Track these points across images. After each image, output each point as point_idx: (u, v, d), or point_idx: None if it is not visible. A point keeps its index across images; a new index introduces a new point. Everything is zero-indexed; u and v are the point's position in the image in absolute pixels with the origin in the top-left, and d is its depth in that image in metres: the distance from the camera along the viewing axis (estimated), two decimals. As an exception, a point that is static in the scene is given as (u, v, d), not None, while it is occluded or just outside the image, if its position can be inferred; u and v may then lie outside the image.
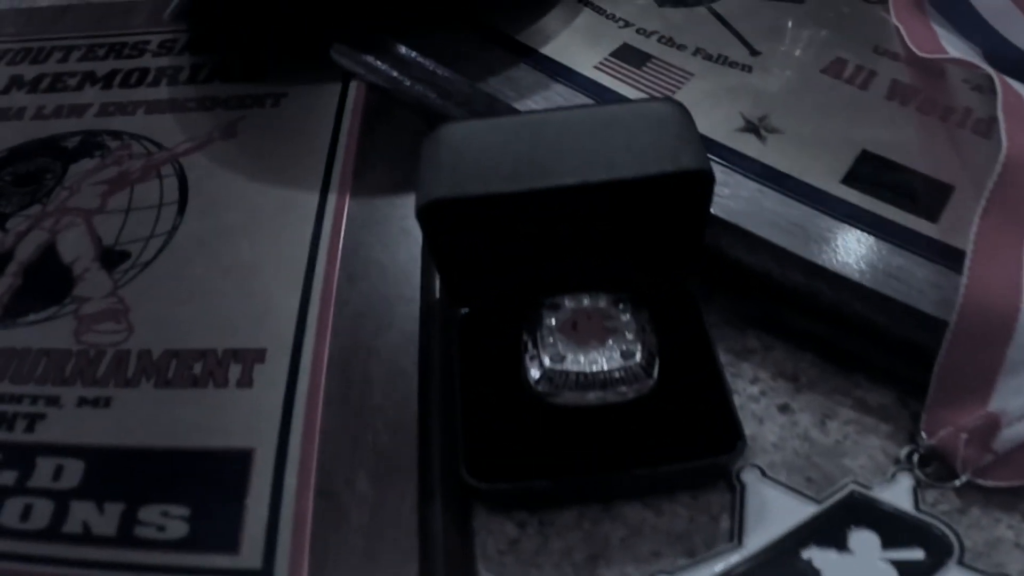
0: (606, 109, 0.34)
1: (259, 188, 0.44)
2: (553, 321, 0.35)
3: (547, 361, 0.34)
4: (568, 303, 0.36)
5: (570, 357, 0.34)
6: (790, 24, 0.46)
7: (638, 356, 0.34)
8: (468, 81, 0.43)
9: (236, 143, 0.46)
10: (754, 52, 0.45)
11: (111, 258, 0.42)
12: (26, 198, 0.45)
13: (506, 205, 0.32)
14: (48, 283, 0.41)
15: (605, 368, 0.34)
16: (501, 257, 0.36)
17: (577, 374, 0.34)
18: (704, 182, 0.32)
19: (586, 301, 0.36)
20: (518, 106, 0.42)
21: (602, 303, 0.36)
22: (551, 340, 0.35)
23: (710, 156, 0.40)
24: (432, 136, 0.33)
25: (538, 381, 0.34)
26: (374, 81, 0.45)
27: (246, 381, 0.36)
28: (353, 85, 0.48)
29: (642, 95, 0.43)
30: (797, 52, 0.45)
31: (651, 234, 0.35)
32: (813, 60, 0.44)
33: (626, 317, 0.35)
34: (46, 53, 0.54)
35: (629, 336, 0.35)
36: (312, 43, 0.48)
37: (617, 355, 0.34)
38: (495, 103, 0.42)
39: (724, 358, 0.39)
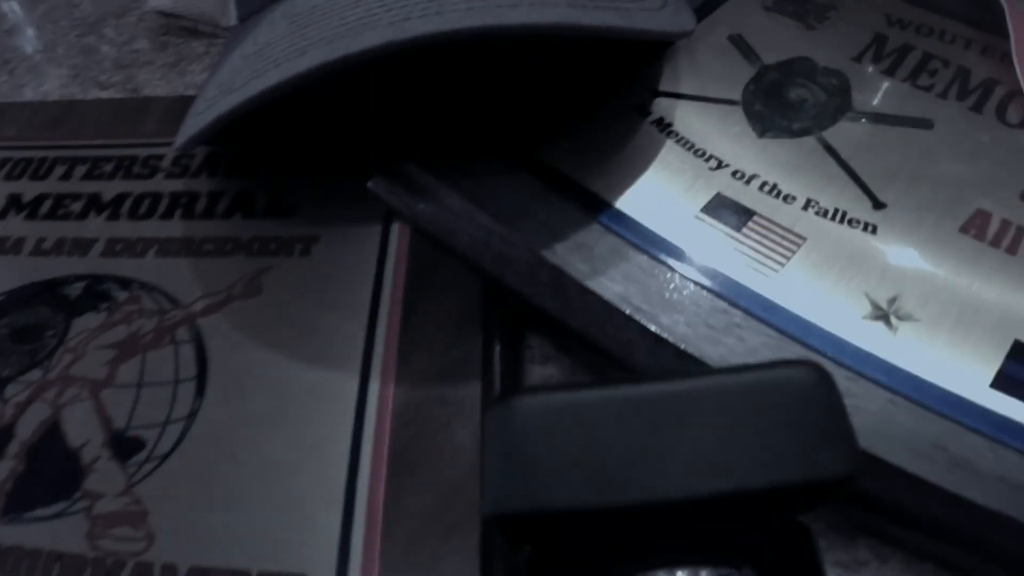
0: (720, 382, 0.27)
1: (289, 367, 0.39)
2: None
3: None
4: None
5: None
6: (919, 161, 0.39)
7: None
8: (530, 248, 0.37)
9: (261, 303, 0.41)
10: (878, 204, 0.38)
11: (123, 446, 0.38)
12: (25, 359, 0.41)
13: (594, 517, 0.26)
14: (54, 471, 0.37)
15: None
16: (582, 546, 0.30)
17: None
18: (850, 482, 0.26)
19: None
20: (592, 284, 0.36)
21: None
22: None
23: (829, 358, 0.34)
24: (502, 411, 0.27)
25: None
26: (421, 226, 0.39)
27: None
28: (395, 229, 0.42)
29: (743, 265, 0.36)
30: (929, 203, 0.38)
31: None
32: (949, 214, 0.38)
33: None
34: (48, 166, 0.49)
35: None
36: (347, 174, 0.42)
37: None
38: (563, 279, 0.36)
39: (832, 573, 0.34)
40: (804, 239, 0.37)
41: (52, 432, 0.38)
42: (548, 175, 0.40)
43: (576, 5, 0.35)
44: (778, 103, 0.42)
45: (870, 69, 0.43)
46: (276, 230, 0.44)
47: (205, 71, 0.56)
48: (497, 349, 0.39)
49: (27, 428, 0.39)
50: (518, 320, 0.41)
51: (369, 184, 0.40)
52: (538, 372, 0.40)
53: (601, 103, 0.43)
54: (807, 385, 0.27)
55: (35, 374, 0.40)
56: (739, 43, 0.45)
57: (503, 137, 0.41)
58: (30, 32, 0.64)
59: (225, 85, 0.39)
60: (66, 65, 0.59)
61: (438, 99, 0.44)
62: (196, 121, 0.39)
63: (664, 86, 0.43)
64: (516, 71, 0.44)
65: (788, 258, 0.37)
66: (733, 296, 0.36)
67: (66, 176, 0.48)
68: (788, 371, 0.28)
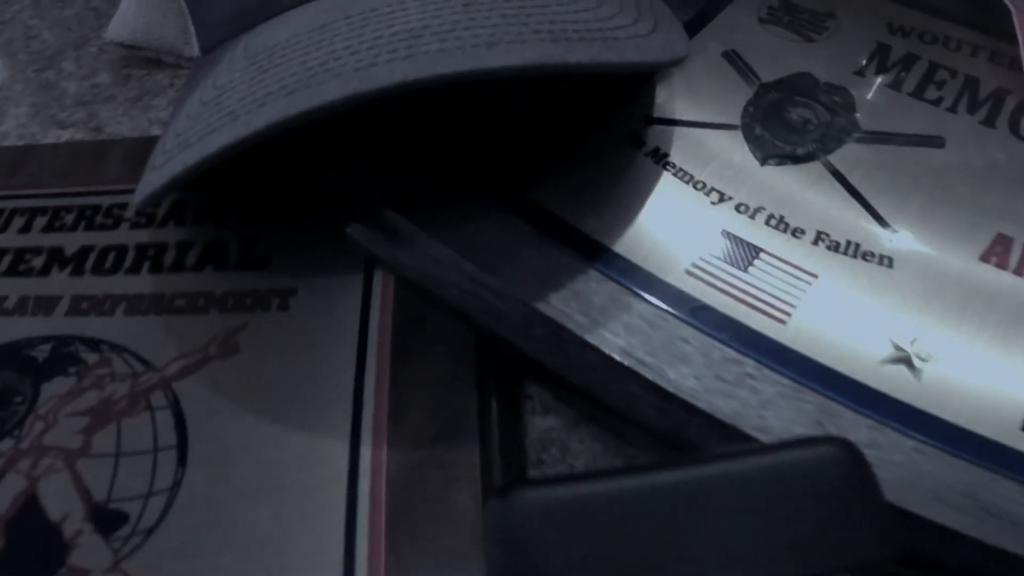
0: (739, 468, 0.25)
1: (273, 432, 0.37)
2: None
3: None
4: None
5: None
6: (932, 184, 0.37)
7: None
8: (522, 301, 0.34)
9: (238, 363, 0.39)
10: (892, 234, 0.36)
11: (106, 519, 0.36)
12: None
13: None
14: (36, 546, 0.35)
15: None
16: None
17: None
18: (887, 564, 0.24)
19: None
20: (591, 338, 0.33)
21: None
22: None
23: (849, 406, 0.32)
24: (503, 508, 0.25)
25: None
26: (404, 276, 0.37)
27: None
28: (378, 277, 0.40)
29: (752, 309, 0.34)
30: (947, 230, 0.35)
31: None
32: (968, 241, 0.35)
33: None
34: (6, 218, 0.46)
35: None
36: (323, 220, 0.39)
37: None
38: (560, 333, 0.34)
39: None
40: (816, 276, 0.35)
41: (30, 505, 0.36)
42: (538, 217, 0.38)
43: (559, 39, 0.33)
44: (780, 126, 0.40)
45: (874, 83, 0.41)
46: (251, 283, 0.41)
47: (170, 105, 0.54)
48: (494, 404, 0.37)
49: (3, 501, 0.36)
50: (515, 369, 0.39)
51: (347, 230, 0.38)
52: (538, 424, 0.38)
53: (591, 134, 0.40)
54: (835, 466, 0.25)
55: (6, 444, 0.38)
56: (734, 60, 0.43)
57: (487, 177, 0.39)
58: (-13, 69, 0.61)
59: (182, 137, 0.36)
60: (24, 103, 0.57)
61: (414, 140, 0.42)
62: (153, 177, 0.36)
63: (658, 112, 0.41)
64: (499, 112, 0.41)
65: (800, 298, 0.35)
66: (744, 344, 0.34)
67: (26, 228, 0.46)
68: (813, 451, 0.25)
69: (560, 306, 0.35)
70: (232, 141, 0.33)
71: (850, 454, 0.25)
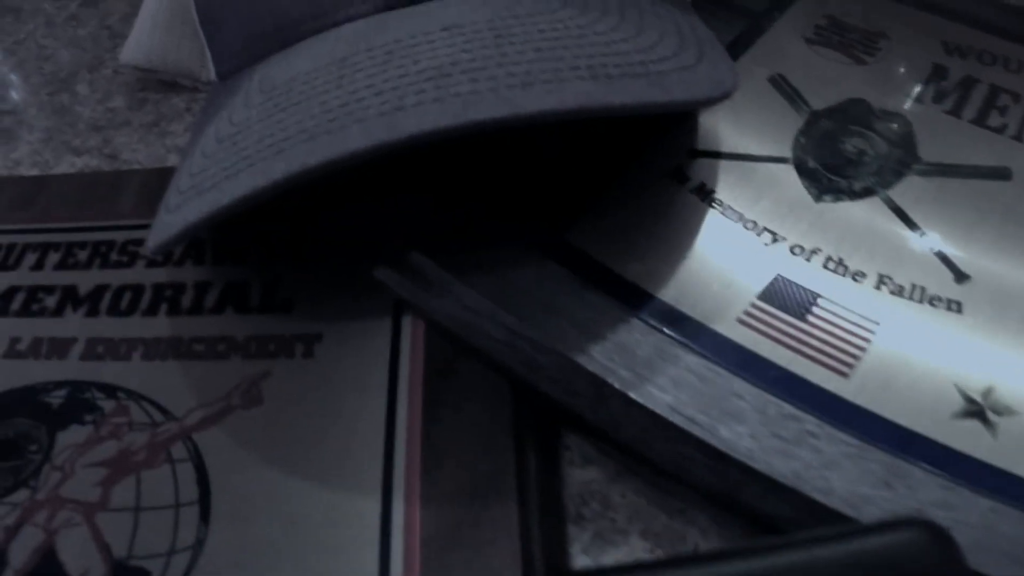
0: (818, 556, 0.23)
1: (300, 488, 0.35)
2: None
3: None
4: None
5: None
6: (1000, 220, 0.35)
7: None
8: (563, 355, 0.32)
9: (262, 414, 0.37)
10: (960, 276, 0.34)
11: None
12: (8, 477, 0.37)
13: None
14: None
15: None
16: None
17: None
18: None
19: None
20: (637, 394, 0.31)
21: None
22: None
23: (920, 464, 0.30)
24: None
25: None
26: (437, 322, 0.35)
27: None
28: (407, 322, 0.38)
29: (812, 360, 0.31)
30: (1019, 271, 0.33)
31: None
32: (1043, 282, 0.33)
33: None
34: (18, 254, 0.45)
35: None
36: (348, 261, 0.37)
37: None
38: (603, 389, 0.32)
39: None
40: (877, 324, 0.33)
41: (48, 560, 0.34)
42: (577, 262, 0.35)
43: (599, 76, 0.30)
44: (834, 158, 0.37)
45: (933, 110, 0.39)
46: (274, 327, 0.39)
47: (186, 131, 0.52)
48: (532, 459, 0.35)
49: (20, 554, 0.35)
50: (553, 419, 0.36)
51: (375, 273, 0.36)
52: (578, 476, 0.36)
53: (631, 168, 0.38)
54: (923, 553, 0.22)
55: (21, 494, 0.36)
56: (782, 85, 0.40)
57: (520, 217, 0.37)
58: (0, 92, 0.59)
59: (197, 179, 0.35)
60: (38, 128, 0.55)
61: (443, 176, 0.40)
62: (167, 221, 0.34)
63: (702, 143, 0.38)
64: (534, 151, 0.39)
65: (863, 348, 0.32)
66: (803, 399, 0.31)
67: (38, 265, 0.44)
68: (898, 536, 0.23)
69: (602, 359, 0.33)
70: (248, 192, 0.31)
71: (938, 538, 0.23)
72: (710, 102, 0.32)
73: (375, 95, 0.31)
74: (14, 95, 0.59)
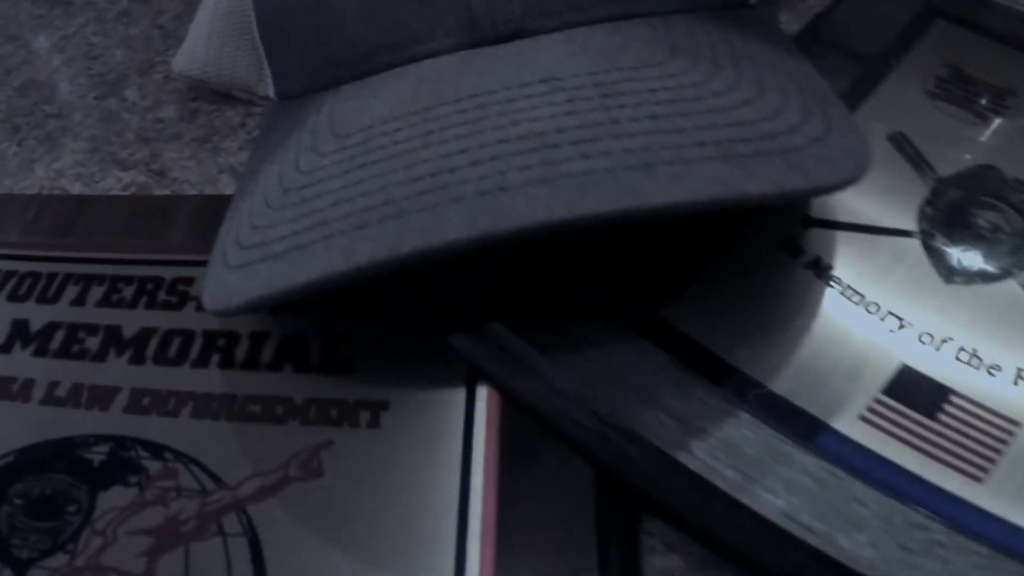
0: None
1: (362, 573, 0.32)
2: None
3: None
4: None
5: None
6: None
7: None
8: (659, 449, 0.29)
9: (323, 487, 0.34)
10: (1110, 376, 0.30)
11: None
12: (46, 539, 0.34)
13: None
14: None
15: None
16: None
17: None
18: None
19: None
20: (745, 498, 0.28)
21: None
22: None
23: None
24: None
25: None
26: (514, 393, 0.32)
27: None
28: (482, 395, 0.34)
29: (942, 463, 0.28)
30: None
31: None
32: None
33: None
34: (59, 285, 0.42)
35: None
36: (418, 322, 0.34)
37: None
38: (705, 490, 0.28)
39: None
40: (1018, 425, 0.29)
41: (88, 634, 0.32)
42: (676, 344, 0.32)
43: (729, 155, 0.27)
44: (965, 233, 0.34)
45: (1074, 181, 0.35)
46: (336, 391, 0.36)
47: (240, 149, 0.49)
48: (615, 554, 0.31)
49: (57, 625, 0.32)
50: (638, 505, 0.33)
51: (449, 339, 0.33)
52: (659, 564, 0.32)
53: (738, 239, 0.34)
54: None
55: (58, 559, 0.33)
56: (903, 146, 0.36)
57: (613, 290, 0.33)
58: (45, 91, 0.56)
59: (261, 235, 0.31)
60: (83, 137, 0.52)
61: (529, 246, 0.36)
62: (229, 283, 0.31)
63: (816, 210, 0.35)
64: (646, 240, 0.35)
65: (1000, 451, 0.29)
66: (932, 506, 0.28)
67: (79, 300, 0.41)
68: None
69: (705, 458, 0.29)
70: (326, 275, 0.28)
71: None
72: (850, 184, 0.28)
73: (471, 164, 0.28)
74: (60, 96, 0.55)
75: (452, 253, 0.26)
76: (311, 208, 0.30)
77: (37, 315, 0.41)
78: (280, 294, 0.29)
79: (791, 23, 0.46)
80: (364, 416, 0.35)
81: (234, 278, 0.31)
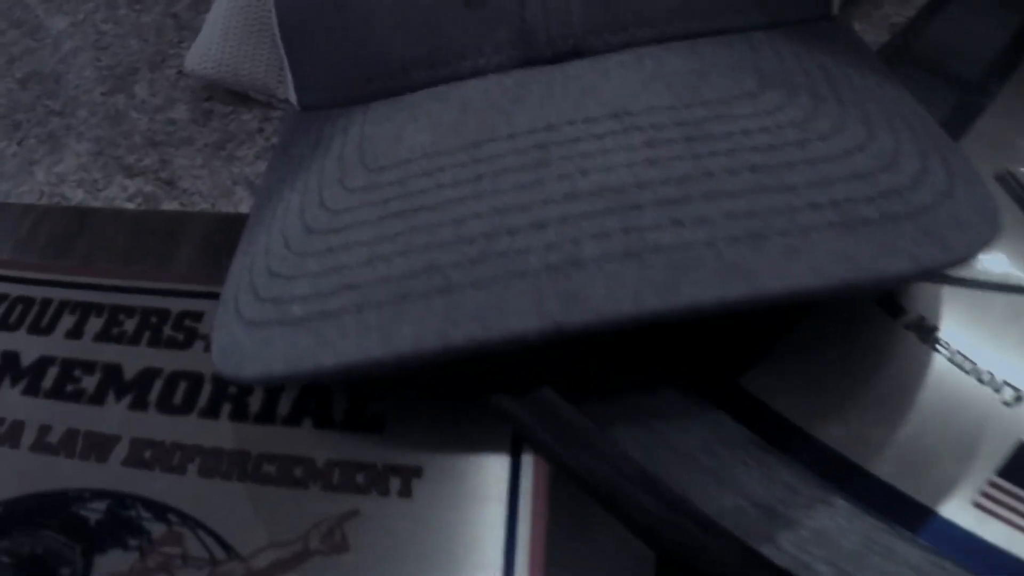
0: None
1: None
2: None
3: None
4: None
5: None
6: None
7: None
8: (742, 543, 0.25)
9: (348, 564, 0.30)
10: None
11: None
12: None
13: None
14: None
15: None
16: None
17: None
18: None
19: None
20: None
21: None
22: None
23: None
24: None
25: None
26: (567, 468, 0.28)
27: None
28: (528, 462, 0.30)
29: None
30: None
31: None
32: None
33: None
34: (53, 313, 0.38)
35: None
36: (455, 378, 0.30)
37: None
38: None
39: None
40: None
41: None
42: (758, 418, 0.28)
43: (851, 221, 0.22)
44: (1090, 292, 0.29)
45: None
46: (362, 452, 0.32)
47: (258, 158, 0.44)
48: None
49: None
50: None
51: (493, 400, 0.29)
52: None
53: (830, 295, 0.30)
54: None
55: (49, 631, 0.30)
56: (1013, 187, 0.32)
57: (685, 356, 0.29)
58: (50, 84, 0.52)
59: (280, 286, 0.27)
60: (88, 137, 0.48)
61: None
62: (244, 344, 0.27)
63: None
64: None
65: None
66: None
67: (75, 332, 0.37)
68: None
69: (794, 550, 0.25)
70: (361, 361, 0.23)
71: None
72: (984, 248, 0.23)
73: (534, 227, 0.23)
74: (65, 90, 0.51)
75: (514, 346, 0.22)
76: (339, 262, 0.26)
77: (29, 347, 0.37)
78: (302, 376, 0.24)
79: (864, 34, 0.41)
80: (394, 483, 0.31)
81: (248, 340, 0.26)
